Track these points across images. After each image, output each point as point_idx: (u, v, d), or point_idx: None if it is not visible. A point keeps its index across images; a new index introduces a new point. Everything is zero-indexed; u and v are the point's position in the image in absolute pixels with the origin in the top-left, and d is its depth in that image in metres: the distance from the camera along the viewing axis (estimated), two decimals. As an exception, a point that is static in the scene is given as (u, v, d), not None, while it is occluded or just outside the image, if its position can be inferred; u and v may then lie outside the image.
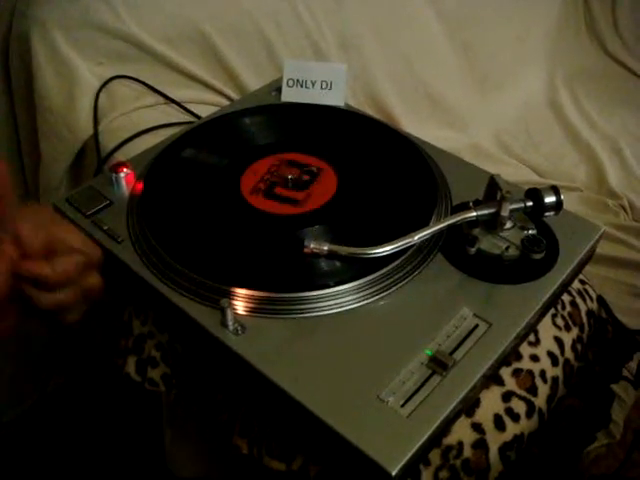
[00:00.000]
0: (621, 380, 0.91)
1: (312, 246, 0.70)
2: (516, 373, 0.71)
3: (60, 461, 1.38)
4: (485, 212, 0.72)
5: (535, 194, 0.73)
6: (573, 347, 0.78)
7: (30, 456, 1.40)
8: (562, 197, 0.72)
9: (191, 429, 0.96)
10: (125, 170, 0.84)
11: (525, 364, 0.72)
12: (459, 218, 0.72)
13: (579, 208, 1.35)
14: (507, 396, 0.69)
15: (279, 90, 1.02)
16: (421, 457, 0.61)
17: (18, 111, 1.15)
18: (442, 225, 0.72)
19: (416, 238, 0.70)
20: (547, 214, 0.73)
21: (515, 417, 0.68)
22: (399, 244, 0.70)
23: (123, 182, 0.84)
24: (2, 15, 1.08)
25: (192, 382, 0.79)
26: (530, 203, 0.73)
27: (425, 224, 0.75)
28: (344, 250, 0.70)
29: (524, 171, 1.46)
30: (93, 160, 1.03)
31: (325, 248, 0.70)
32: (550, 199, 0.72)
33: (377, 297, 0.70)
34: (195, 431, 0.95)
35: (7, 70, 1.12)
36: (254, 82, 1.20)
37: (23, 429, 1.44)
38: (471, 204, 0.74)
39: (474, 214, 0.72)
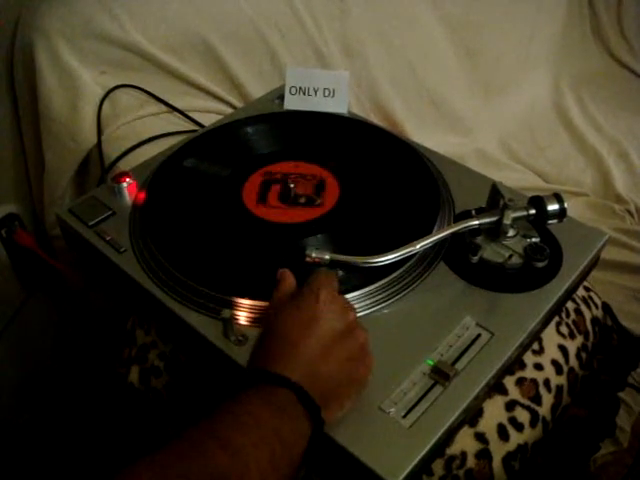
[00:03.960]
0: (628, 387, 0.90)
1: (314, 255, 0.69)
2: (520, 382, 0.71)
3: (63, 470, 1.38)
4: (487, 220, 0.72)
5: (538, 202, 0.72)
6: (578, 355, 0.77)
7: (33, 463, 1.40)
8: (566, 205, 0.72)
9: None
10: (127, 180, 0.84)
11: (529, 373, 0.72)
12: (461, 226, 0.71)
13: (585, 213, 1.34)
14: (511, 405, 0.69)
15: (282, 98, 1.02)
16: (423, 468, 0.60)
17: (22, 121, 1.15)
18: (444, 234, 0.71)
19: (418, 247, 0.70)
20: (550, 222, 0.73)
21: (519, 426, 0.68)
22: (401, 253, 0.69)
23: (125, 192, 0.84)
24: (6, 25, 1.09)
25: (195, 392, 0.78)
26: (533, 211, 0.72)
27: (428, 232, 0.75)
28: (346, 259, 0.70)
29: (530, 176, 1.45)
30: (97, 169, 1.03)
31: (327, 257, 0.69)
32: (553, 207, 0.71)
33: (379, 306, 0.69)
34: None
35: (12, 80, 1.13)
36: (257, 90, 1.20)
37: (27, 438, 1.44)
38: (473, 212, 0.74)
39: (476, 222, 0.71)
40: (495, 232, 0.73)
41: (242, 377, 0.56)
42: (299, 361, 0.56)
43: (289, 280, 0.66)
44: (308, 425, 0.53)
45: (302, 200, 0.82)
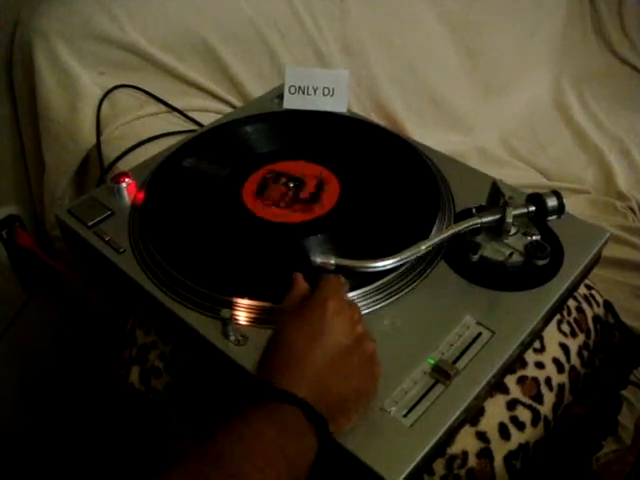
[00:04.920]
0: (630, 385, 0.90)
1: (319, 261, 0.68)
2: (521, 381, 0.70)
3: (65, 471, 1.37)
4: (489, 219, 0.71)
5: (537, 198, 0.72)
6: (579, 353, 0.77)
7: (33, 467, 1.40)
8: (564, 200, 0.72)
9: (198, 437, 0.96)
10: (127, 180, 0.84)
11: (530, 371, 0.72)
12: (464, 226, 0.71)
13: (587, 210, 1.34)
14: (512, 404, 0.69)
15: (281, 97, 1.02)
16: (424, 467, 0.60)
17: (22, 121, 1.15)
18: (448, 234, 0.70)
19: (423, 248, 0.69)
20: (550, 218, 0.72)
21: (520, 425, 0.68)
22: (406, 255, 0.68)
23: (125, 192, 0.84)
24: (5, 26, 1.08)
25: (196, 392, 0.78)
26: (533, 208, 0.72)
27: (428, 231, 0.75)
28: (351, 264, 0.68)
29: (531, 174, 1.45)
30: (97, 169, 1.03)
31: (332, 262, 0.68)
32: (552, 202, 0.71)
33: (380, 305, 0.69)
34: (201, 440, 0.95)
35: (11, 80, 1.13)
36: (257, 89, 1.20)
37: (28, 439, 1.44)
38: (474, 211, 0.73)
39: (479, 221, 0.71)
40: (497, 230, 0.73)
41: (248, 391, 0.55)
42: (305, 376, 0.55)
43: (301, 285, 0.65)
44: (315, 440, 0.53)
45: (301, 201, 0.82)
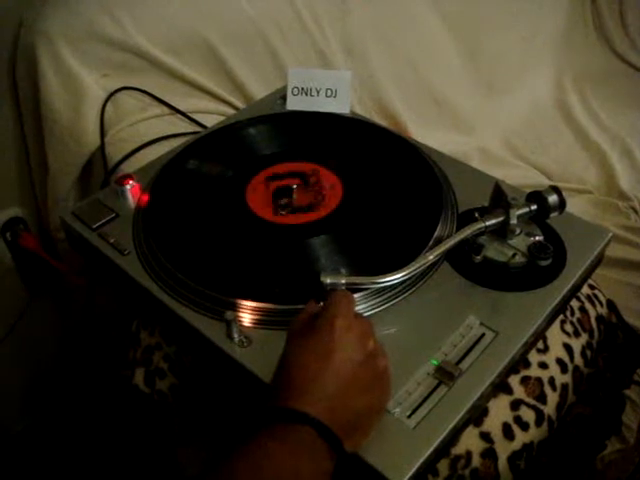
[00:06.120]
0: (633, 385, 0.90)
1: (329, 281, 0.66)
2: (525, 381, 0.71)
3: (69, 472, 1.38)
4: (494, 222, 0.71)
5: (538, 196, 0.73)
6: (583, 353, 0.77)
7: (39, 467, 1.41)
8: (564, 195, 0.72)
9: (202, 439, 0.96)
10: (130, 182, 0.84)
11: (534, 372, 0.72)
12: (469, 232, 0.71)
13: (589, 210, 1.34)
14: (516, 404, 0.69)
15: (284, 98, 1.02)
16: (429, 468, 0.60)
17: (25, 123, 1.16)
18: (454, 241, 0.70)
19: (431, 258, 0.69)
20: (552, 215, 0.73)
21: (524, 426, 0.68)
22: (415, 267, 0.68)
23: (129, 194, 0.84)
24: (8, 27, 1.09)
25: (200, 393, 0.78)
26: (535, 207, 0.72)
27: (431, 232, 0.75)
28: (361, 280, 0.67)
29: (533, 174, 1.45)
30: (101, 171, 1.04)
31: (343, 282, 0.66)
32: (553, 198, 0.72)
33: (383, 307, 0.69)
34: (206, 440, 0.95)
35: (14, 82, 1.13)
36: (260, 90, 1.20)
37: (32, 440, 1.44)
38: (477, 215, 0.73)
39: (483, 225, 0.71)
40: (500, 231, 0.73)
41: (260, 415, 0.54)
42: (317, 395, 0.54)
43: (310, 307, 0.64)
44: (330, 460, 0.52)
45: (305, 202, 0.82)
